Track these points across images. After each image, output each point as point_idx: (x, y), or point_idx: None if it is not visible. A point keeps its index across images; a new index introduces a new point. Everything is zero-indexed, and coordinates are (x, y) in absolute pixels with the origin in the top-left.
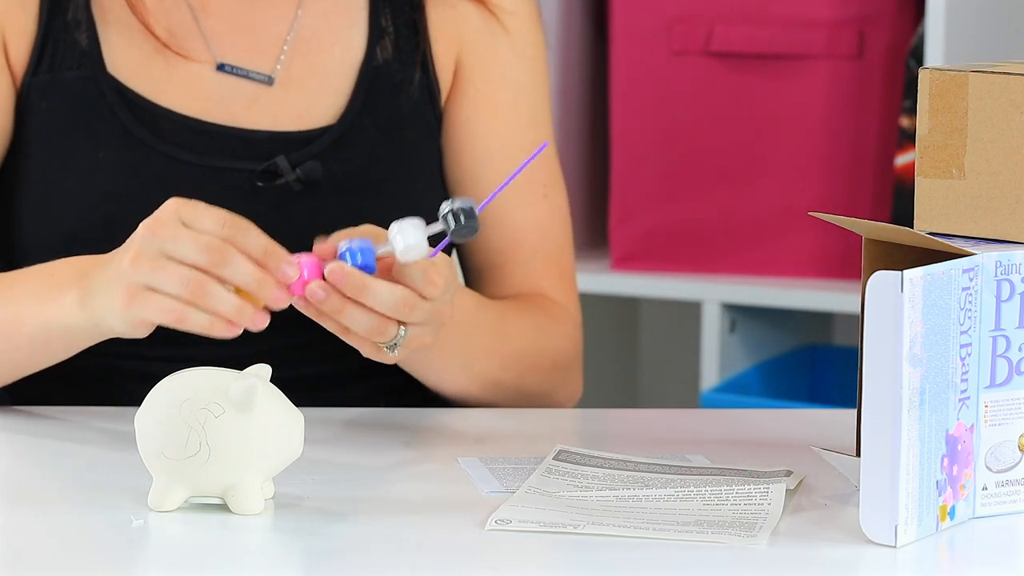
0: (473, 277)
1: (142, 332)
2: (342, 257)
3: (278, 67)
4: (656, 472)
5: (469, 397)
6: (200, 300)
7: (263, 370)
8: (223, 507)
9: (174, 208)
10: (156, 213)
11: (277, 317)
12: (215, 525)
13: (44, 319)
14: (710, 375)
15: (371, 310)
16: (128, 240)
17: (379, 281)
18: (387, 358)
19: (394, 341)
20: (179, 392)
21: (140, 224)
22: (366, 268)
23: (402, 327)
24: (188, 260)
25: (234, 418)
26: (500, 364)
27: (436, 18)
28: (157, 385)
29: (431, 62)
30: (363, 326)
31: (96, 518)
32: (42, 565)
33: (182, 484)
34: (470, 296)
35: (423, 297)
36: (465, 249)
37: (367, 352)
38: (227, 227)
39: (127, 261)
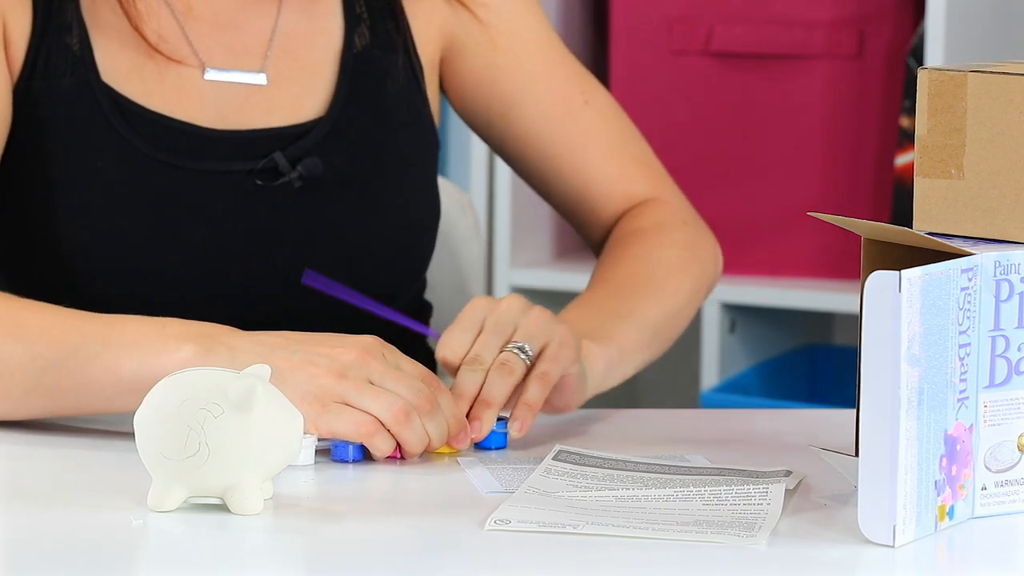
0: (571, 214)
1: None
2: (340, 452)
3: (266, 63)
4: (656, 472)
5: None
6: (398, 424)
7: (263, 370)
8: (223, 507)
9: (379, 346)
10: (363, 344)
11: (280, 322)
12: (215, 525)
13: (148, 367)
14: (710, 375)
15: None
16: (321, 351)
17: (452, 392)
18: (546, 380)
19: (523, 357)
20: (179, 392)
21: (343, 344)
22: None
23: (513, 350)
24: (397, 393)
25: (233, 418)
26: (656, 339)
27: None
28: (157, 385)
29: (411, 43)
30: (500, 389)
31: (96, 518)
32: (42, 565)
33: (182, 484)
34: (591, 320)
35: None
36: (546, 193)
37: (547, 378)
38: (428, 377)
39: (332, 376)
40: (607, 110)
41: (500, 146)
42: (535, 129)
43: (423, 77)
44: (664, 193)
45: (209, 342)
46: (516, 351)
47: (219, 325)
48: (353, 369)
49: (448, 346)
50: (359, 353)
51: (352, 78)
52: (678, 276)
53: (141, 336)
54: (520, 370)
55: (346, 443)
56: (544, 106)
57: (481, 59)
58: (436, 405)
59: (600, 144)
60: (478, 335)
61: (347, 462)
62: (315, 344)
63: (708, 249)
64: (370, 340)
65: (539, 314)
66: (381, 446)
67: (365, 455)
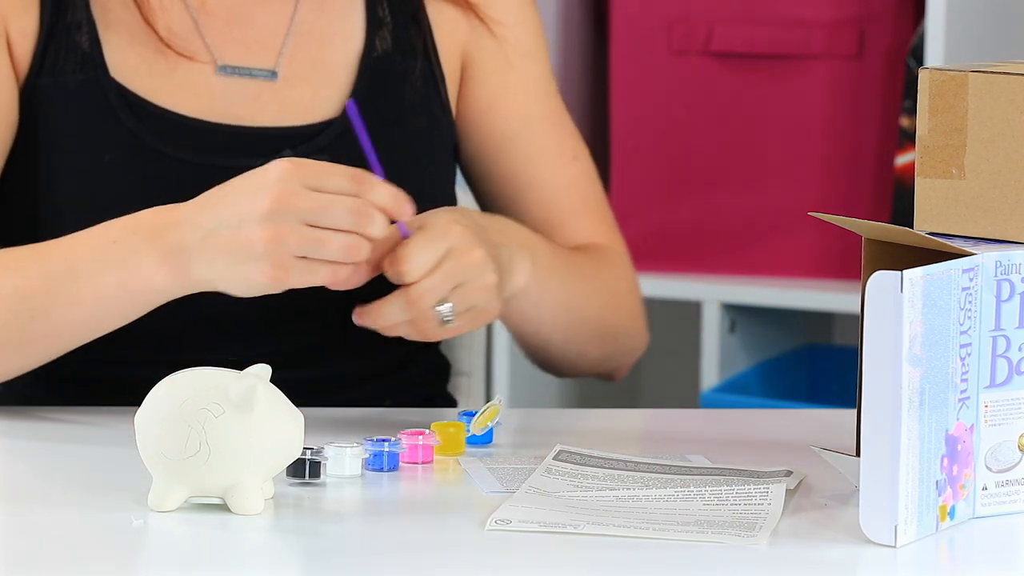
0: None
1: (268, 291)
2: (375, 463)
3: (280, 61)
4: (656, 472)
5: (565, 347)
6: (354, 258)
7: (263, 370)
8: (223, 507)
9: (292, 172)
10: (275, 181)
11: (279, 320)
12: (215, 525)
13: (118, 283)
14: (710, 375)
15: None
16: (244, 209)
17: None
18: (445, 331)
19: (445, 317)
20: (179, 392)
21: (258, 191)
22: None
23: (444, 312)
24: (338, 226)
25: (234, 418)
26: (587, 302)
27: (435, 7)
28: (157, 385)
29: (433, 51)
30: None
31: (96, 518)
32: (42, 565)
33: (182, 484)
34: (542, 244)
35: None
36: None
37: (429, 333)
38: (356, 181)
39: (267, 238)
40: (590, 172)
41: (481, 179)
42: (519, 170)
43: (444, 85)
44: (623, 252)
45: (161, 244)
46: (446, 313)
47: (153, 214)
48: (281, 219)
49: (410, 269)
50: (276, 199)
51: (369, 81)
52: (628, 300)
53: (99, 252)
54: (429, 334)
55: (380, 453)
56: (535, 150)
57: (494, 85)
58: (371, 211)
59: (577, 199)
60: (437, 265)
61: (381, 471)
62: (233, 208)
63: (643, 322)
64: (280, 168)
65: (490, 281)
66: (356, 279)
67: (399, 464)
